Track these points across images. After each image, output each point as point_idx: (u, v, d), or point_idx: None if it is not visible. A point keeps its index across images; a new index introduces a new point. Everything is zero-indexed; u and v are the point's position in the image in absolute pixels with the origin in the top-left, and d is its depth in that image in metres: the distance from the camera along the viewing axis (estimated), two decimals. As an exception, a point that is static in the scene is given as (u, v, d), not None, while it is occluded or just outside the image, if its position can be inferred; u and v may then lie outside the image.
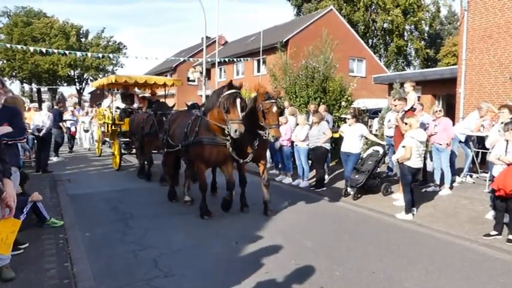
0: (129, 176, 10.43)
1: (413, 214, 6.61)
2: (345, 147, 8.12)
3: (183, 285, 4.06)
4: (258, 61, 26.54)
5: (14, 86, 48.85)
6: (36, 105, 20.73)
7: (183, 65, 37.43)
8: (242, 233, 5.70)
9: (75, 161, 12.89)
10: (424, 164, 7.80)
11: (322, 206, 7.51)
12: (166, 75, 35.70)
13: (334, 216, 6.87)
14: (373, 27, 39.54)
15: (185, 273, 4.31)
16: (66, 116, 15.17)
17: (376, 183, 8.03)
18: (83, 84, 51.57)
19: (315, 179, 8.94)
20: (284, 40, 24.38)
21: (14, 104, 4.76)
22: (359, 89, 15.17)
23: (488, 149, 6.80)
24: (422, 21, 40.90)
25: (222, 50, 30.84)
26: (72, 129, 15.46)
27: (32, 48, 26.54)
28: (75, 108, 19.18)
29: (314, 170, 9.07)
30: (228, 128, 5.84)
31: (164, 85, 11.73)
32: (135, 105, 11.96)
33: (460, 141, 8.22)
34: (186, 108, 8.36)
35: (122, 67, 50.23)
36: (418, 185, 7.93)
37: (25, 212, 5.16)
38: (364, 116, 16.09)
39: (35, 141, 10.62)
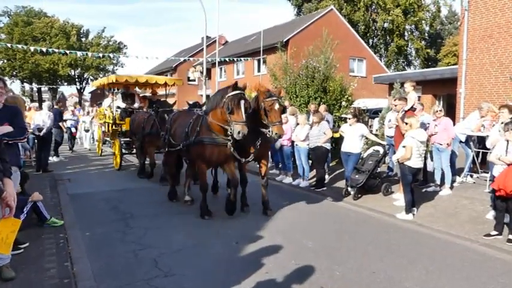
0: (130, 175, 10.43)
1: (413, 214, 6.61)
2: (345, 147, 8.12)
3: (183, 285, 4.06)
4: (259, 61, 26.54)
5: (15, 86, 49.00)
6: (36, 104, 20.72)
7: (183, 64, 37.45)
8: (242, 233, 5.70)
9: (75, 161, 12.89)
10: (425, 164, 7.80)
11: (322, 206, 7.51)
12: (166, 75, 35.67)
13: (334, 216, 6.87)
14: (373, 27, 39.55)
15: (185, 273, 4.31)
16: (67, 115, 15.18)
17: (376, 183, 8.03)
18: (83, 83, 51.69)
19: (315, 178, 8.94)
20: (284, 40, 24.40)
21: (14, 103, 4.76)
22: (359, 88, 15.19)
23: (488, 149, 6.80)
24: (423, 21, 40.91)
25: (222, 50, 30.83)
26: (73, 129, 15.45)
27: (32, 48, 26.56)
28: (75, 107, 19.20)
29: (314, 170, 9.07)
30: (231, 129, 5.82)
31: (165, 85, 11.73)
32: (136, 105, 11.96)
33: (461, 141, 8.22)
34: (188, 107, 8.37)
35: (122, 67, 50.36)
36: (419, 185, 7.93)
37: (25, 212, 5.16)
38: (364, 115, 16.10)
39: (36, 140, 10.62)
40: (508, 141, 5.50)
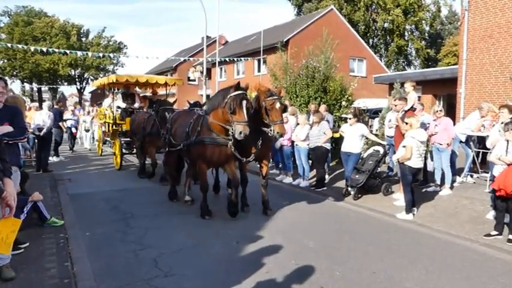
0: (130, 175, 10.43)
1: (413, 214, 6.61)
2: (345, 147, 8.12)
3: (183, 285, 4.06)
4: (259, 61, 26.55)
5: (15, 86, 48.94)
6: (36, 104, 20.69)
7: (183, 64, 37.45)
8: (242, 232, 5.70)
9: (75, 161, 12.89)
10: (425, 164, 7.79)
11: (322, 206, 7.50)
12: (166, 75, 35.66)
13: (334, 216, 6.86)
14: (373, 27, 39.56)
15: (185, 273, 4.31)
16: (67, 115, 15.18)
17: (376, 183, 8.03)
18: (84, 83, 51.71)
19: (315, 178, 8.94)
20: (284, 40, 24.39)
21: (14, 103, 4.76)
22: (359, 88, 15.19)
23: (488, 149, 6.80)
24: (423, 21, 40.92)
25: (222, 50, 30.84)
26: (73, 129, 15.46)
27: (32, 48, 26.58)
28: (75, 107, 19.20)
29: (314, 170, 9.07)
30: (232, 129, 5.80)
31: (165, 84, 11.73)
32: (136, 105, 11.96)
33: (461, 141, 8.22)
34: (188, 107, 8.35)
35: (122, 67, 50.38)
36: (419, 185, 7.93)
37: (25, 212, 5.16)
38: (364, 115, 16.11)
39: (36, 140, 10.62)
40: (508, 141, 5.50)
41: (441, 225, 6.18)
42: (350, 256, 4.88)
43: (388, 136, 8.43)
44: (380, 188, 7.95)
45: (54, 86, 49.57)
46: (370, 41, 39.36)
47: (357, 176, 7.80)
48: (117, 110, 11.65)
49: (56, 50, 32.11)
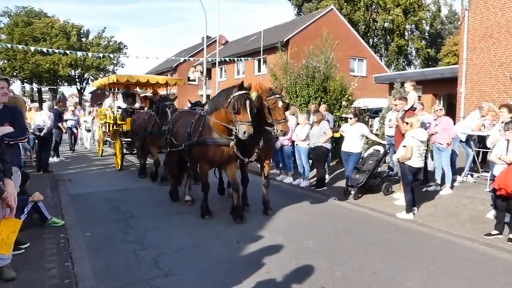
0: (130, 175, 10.43)
1: (414, 214, 6.61)
2: (345, 147, 8.11)
3: (183, 285, 4.06)
4: (259, 61, 26.54)
5: (15, 86, 48.95)
6: (37, 105, 20.77)
7: (183, 64, 37.46)
8: (243, 232, 5.70)
9: (76, 161, 12.89)
10: (425, 164, 7.79)
11: (323, 205, 7.50)
12: (167, 75, 35.67)
13: (335, 216, 6.86)
14: (373, 27, 39.56)
15: (185, 273, 4.31)
16: (67, 115, 15.18)
17: (376, 182, 8.03)
18: (84, 84, 51.67)
19: (315, 178, 8.94)
20: (285, 40, 24.39)
21: (15, 103, 4.75)
22: (360, 88, 15.19)
23: (489, 149, 6.80)
24: (423, 21, 40.93)
25: (222, 50, 30.84)
26: (74, 130, 15.46)
27: (32, 48, 26.57)
28: (75, 108, 19.20)
29: (315, 170, 9.07)
30: (236, 129, 5.77)
31: (166, 84, 11.73)
32: (137, 105, 11.96)
33: (461, 141, 8.21)
34: (190, 106, 8.34)
35: (122, 67, 50.34)
36: (419, 185, 7.93)
37: (26, 212, 5.16)
38: (364, 115, 16.12)
39: (36, 141, 10.63)
40: (508, 140, 5.50)
41: (442, 224, 6.17)
42: (350, 256, 4.88)
43: (388, 136, 8.42)
44: (380, 188, 7.95)
45: (54, 87, 49.62)
46: (370, 40, 39.37)
47: (357, 176, 7.80)
48: (117, 110, 11.66)
49: (56, 51, 32.15)
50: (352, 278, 4.25)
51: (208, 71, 27.51)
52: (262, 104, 6.17)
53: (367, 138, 8.66)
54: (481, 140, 7.95)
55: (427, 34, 43.71)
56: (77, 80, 50.71)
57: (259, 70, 27.46)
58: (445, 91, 17.18)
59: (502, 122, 6.32)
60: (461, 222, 6.21)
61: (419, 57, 41.52)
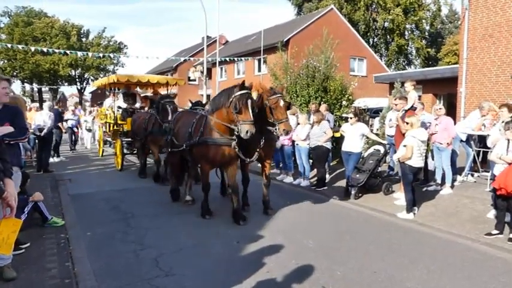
0: (130, 175, 10.43)
1: (414, 213, 6.60)
2: (346, 147, 8.11)
3: (183, 285, 4.06)
4: (259, 60, 26.54)
5: (15, 86, 49.01)
6: (37, 105, 20.77)
7: (183, 64, 37.46)
8: (243, 232, 5.70)
9: (76, 161, 12.90)
10: (425, 163, 7.79)
11: (323, 205, 7.50)
12: (167, 75, 35.66)
13: (335, 215, 6.86)
14: (373, 27, 39.55)
15: (186, 273, 4.31)
16: (67, 115, 15.19)
17: (377, 182, 8.03)
18: (84, 83, 51.72)
19: (316, 178, 8.94)
20: (285, 39, 24.40)
21: (15, 103, 4.75)
22: (360, 88, 15.19)
23: (489, 148, 6.79)
24: (423, 20, 40.92)
25: (222, 50, 30.85)
26: (74, 129, 15.47)
27: (33, 48, 26.58)
28: (76, 108, 19.21)
29: (315, 170, 9.06)
30: (238, 129, 5.73)
31: (167, 84, 11.72)
32: (137, 105, 11.96)
33: (461, 140, 8.21)
34: (190, 106, 8.32)
35: (122, 67, 50.40)
36: (419, 184, 7.92)
37: (26, 212, 5.17)
38: (365, 115, 16.11)
39: (36, 141, 10.64)
40: (508, 140, 5.50)
41: (442, 224, 6.17)
42: (351, 256, 4.88)
43: (388, 135, 8.42)
44: (381, 188, 7.95)
45: (55, 87, 49.64)
46: (371, 40, 39.36)
47: (357, 176, 7.80)
48: (118, 110, 11.65)
49: (56, 51, 32.19)
50: (352, 277, 4.25)
51: (209, 70, 27.52)
52: (263, 104, 6.16)
53: (367, 138, 8.66)
54: (482, 140, 7.95)
55: (427, 34, 43.70)
56: (77, 80, 50.76)
57: (259, 70, 27.47)
58: (445, 91, 17.18)
59: (502, 122, 6.31)
60: (462, 222, 6.21)
61: (420, 56, 41.51)
